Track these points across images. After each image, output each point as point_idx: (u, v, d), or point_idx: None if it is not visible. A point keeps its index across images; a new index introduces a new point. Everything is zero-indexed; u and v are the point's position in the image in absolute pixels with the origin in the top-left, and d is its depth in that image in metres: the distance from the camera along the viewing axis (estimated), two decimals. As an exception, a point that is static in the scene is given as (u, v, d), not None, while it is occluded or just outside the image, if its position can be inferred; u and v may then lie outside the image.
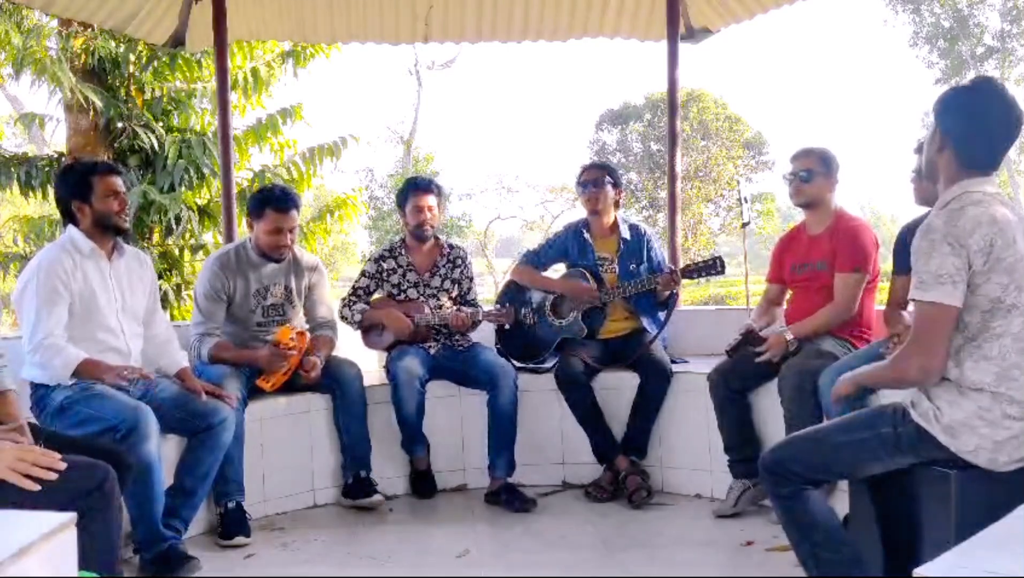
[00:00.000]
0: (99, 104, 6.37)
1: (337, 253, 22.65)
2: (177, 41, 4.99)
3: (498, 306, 3.90)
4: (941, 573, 1.25)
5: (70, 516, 1.42)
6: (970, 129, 2.07)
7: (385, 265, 3.92)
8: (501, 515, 3.51)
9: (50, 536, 1.35)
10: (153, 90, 6.90)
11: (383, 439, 3.70)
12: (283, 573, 2.95)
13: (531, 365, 3.90)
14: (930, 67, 25.33)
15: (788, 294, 3.61)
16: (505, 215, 27.49)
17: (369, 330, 3.90)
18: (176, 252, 6.92)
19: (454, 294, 3.96)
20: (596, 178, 3.90)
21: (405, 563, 3.00)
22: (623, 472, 3.61)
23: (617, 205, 3.98)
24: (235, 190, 4.80)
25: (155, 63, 6.77)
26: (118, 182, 3.01)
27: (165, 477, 2.93)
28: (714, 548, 3.09)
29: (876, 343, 3.18)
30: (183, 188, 6.65)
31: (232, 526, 3.20)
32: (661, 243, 4.12)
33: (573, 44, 5.30)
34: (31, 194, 6.61)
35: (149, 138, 6.55)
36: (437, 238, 4.00)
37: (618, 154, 22.57)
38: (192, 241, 6.98)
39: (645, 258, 3.89)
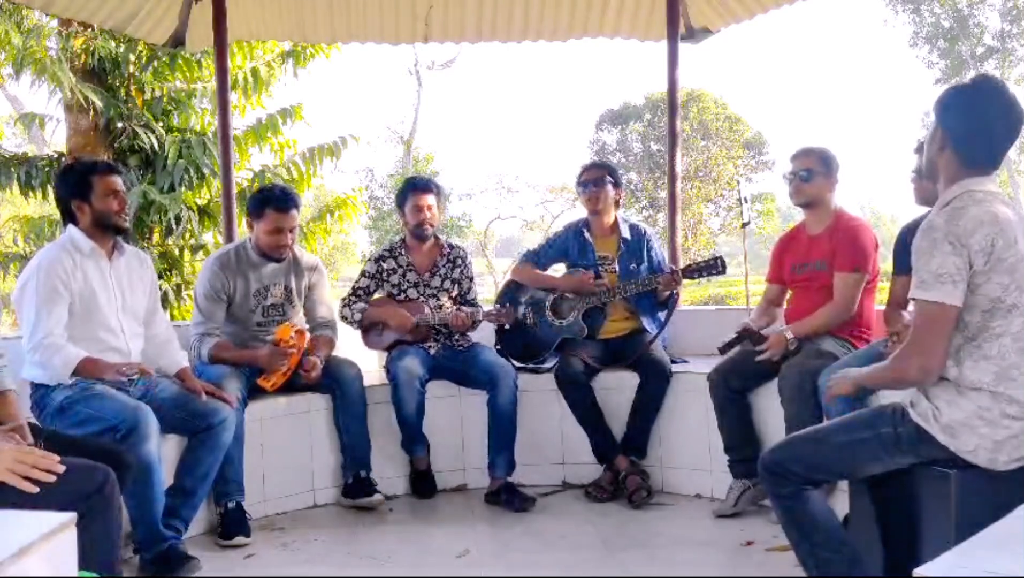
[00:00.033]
0: (99, 104, 6.37)
1: (337, 253, 22.66)
2: (177, 41, 4.99)
3: (498, 306, 3.90)
4: (941, 573, 1.25)
5: (70, 516, 1.42)
6: (971, 128, 2.07)
7: (385, 265, 3.92)
8: (501, 515, 3.51)
9: (50, 536, 1.35)
10: (153, 90, 6.90)
11: (383, 439, 3.70)
12: (283, 573, 2.95)
13: (531, 365, 3.89)
14: (930, 67, 25.36)
15: (788, 294, 3.61)
16: (505, 215, 27.52)
17: (369, 330, 3.90)
18: (176, 252, 6.93)
19: (454, 294, 3.96)
20: (597, 177, 3.90)
21: (405, 563, 3.00)
22: (623, 472, 3.61)
23: (617, 205, 3.99)
24: (235, 190, 4.80)
25: (155, 63, 6.77)
26: (118, 181, 3.01)
27: (165, 477, 2.93)
28: (714, 548, 3.09)
29: (876, 343, 3.18)
30: (183, 188, 6.65)
31: (232, 526, 3.20)
32: (661, 243, 4.12)
33: (573, 44, 5.31)
34: (31, 194, 6.62)
35: (149, 138, 6.56)
36: (437, 238, 4.00)
37: (618, 154, 22.57)
38: (192, 241, 6.98)
39: (645, 258, 3.89)
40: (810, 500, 2.18)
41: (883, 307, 3.30)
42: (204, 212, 6.90)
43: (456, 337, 3.88)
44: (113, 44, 6.55)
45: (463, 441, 3.87)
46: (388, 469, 3.77)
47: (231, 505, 3.24)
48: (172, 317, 6.32)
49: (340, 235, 10.20)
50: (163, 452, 2.90)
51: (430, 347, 3.83)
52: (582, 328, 3.82)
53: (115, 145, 6.63)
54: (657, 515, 3.45)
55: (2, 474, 1.85)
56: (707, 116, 20.46)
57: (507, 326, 3.88)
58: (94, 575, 1.78)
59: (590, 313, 3.83)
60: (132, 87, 6.80)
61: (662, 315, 3.87)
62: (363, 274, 3.98)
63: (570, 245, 3.96)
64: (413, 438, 3.69)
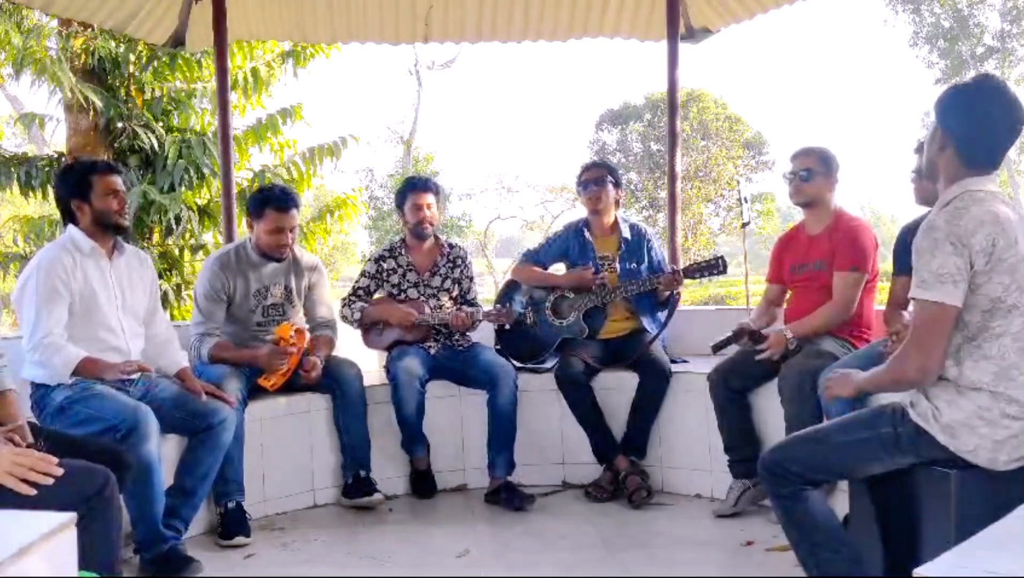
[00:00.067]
0: (99, 104, 6.37)
1: (337, 253, 22.66)
2: (177, 41, 4.99)
3: (498, 306, 3.90)
4: (941, 573, 1.25)
5: (70, 516, 1.42)
6: (972, 128, 2.06)
7: (385, 265, 3.92)
8: (501, 515, 3.51)
9: (50, 536, 1.35)
10: (153, 90, 6.90)
11: (383, 439, 3.70)
12: (283, 573, 2.95)
13: (531, 365, 3.89)
14: (930, 67, 25.36)
15: (788, 294, 3.61)
16: (505, 215, 27.52)
17: (369, 330, 3.90)
18: (176, 252, 6.92)
19: (454, 294, 3.96)
20: (597, 177, 3.90)
21: (405, 563, 3.00)
22: (623, 472, 3.61)
23: (618, 205, 3.99)
24: (235, 190, 4.80)
25: (155, 63, 6.77)
26: (117, 181, 3.01)
27: (165, 477, 2.93)
28: (714, 548, 3.09)
29: (876, 343, 3.18)
30: (183, 188, 6.64)
31: (232, 526, 3.20)
32: (661, 243, 4.12)
33: (573, 44, 5.31)
34: (31, 194, 6.61)
35: (149, 138, 6.55)
36: (437, 238, 4.00)
37: (618, 154, 22.58)
38: (192, 241, 6.98)
39: (645, 258, 3.90)
40: (810, 500, 2.18)
41: (883, 307, 3.30)
42: (204, 212, 6.89)
43: (456, 337, 3.88)
44: (113, 44, 6.55)
45: (463, 441, 3.87)
46: (388, 469, 3.77)
47: (231, 505, 3.24)
48: (172, 317, 6.31)
49: (340, 235, 10.21)
50: (163, 452, 2.89)
51: (430, 347, 3.83)
52: (582, 328, 3.82)
53: (115, 145, 6.63)
54: (657, 515, 3.45)
55: (0, 476, 1.85)
56: (707, 116, 20.47)
57: (507, 326, 3.88)
58: (94, 575, 1.78)
59: (590, 313, 3.83)
60: (132, 87, 6.79)
61: (662, 315, 3.87)
62: (363, 274, 3.98)
63: (570, 245, 3.96)
64: (413, 438, 3.69)
